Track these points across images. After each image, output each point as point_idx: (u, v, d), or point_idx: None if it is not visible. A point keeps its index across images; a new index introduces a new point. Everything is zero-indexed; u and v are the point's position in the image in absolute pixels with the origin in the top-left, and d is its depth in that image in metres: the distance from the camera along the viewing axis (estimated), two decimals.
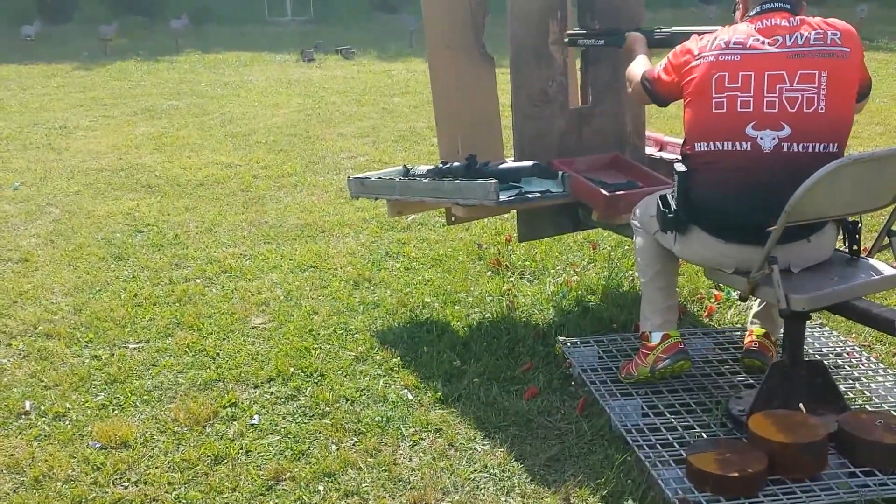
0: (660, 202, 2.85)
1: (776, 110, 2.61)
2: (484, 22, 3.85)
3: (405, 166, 3.92)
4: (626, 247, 4.58)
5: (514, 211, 3.82)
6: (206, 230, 5.10)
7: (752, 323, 3.25)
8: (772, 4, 2.74)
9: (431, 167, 3.77)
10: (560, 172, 3.43)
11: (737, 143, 2.65)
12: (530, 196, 3.38)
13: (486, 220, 5.12)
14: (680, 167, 2.76)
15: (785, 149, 2.61)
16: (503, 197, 3.27)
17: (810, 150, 2.59)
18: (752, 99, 2.64)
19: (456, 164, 3.60)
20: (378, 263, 4.47)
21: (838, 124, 2.62)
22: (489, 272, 4.30)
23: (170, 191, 6.02)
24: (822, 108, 2.59)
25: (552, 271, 4.29)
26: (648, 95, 3.03)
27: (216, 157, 7.06)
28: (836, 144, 2.61)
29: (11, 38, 16.47)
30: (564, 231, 3.98)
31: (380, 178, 3.78)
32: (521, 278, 4.22)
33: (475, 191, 3.29)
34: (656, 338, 2.99)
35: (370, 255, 4.61)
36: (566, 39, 3.67)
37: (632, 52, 3.31)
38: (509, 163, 3.58)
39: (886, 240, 2.71)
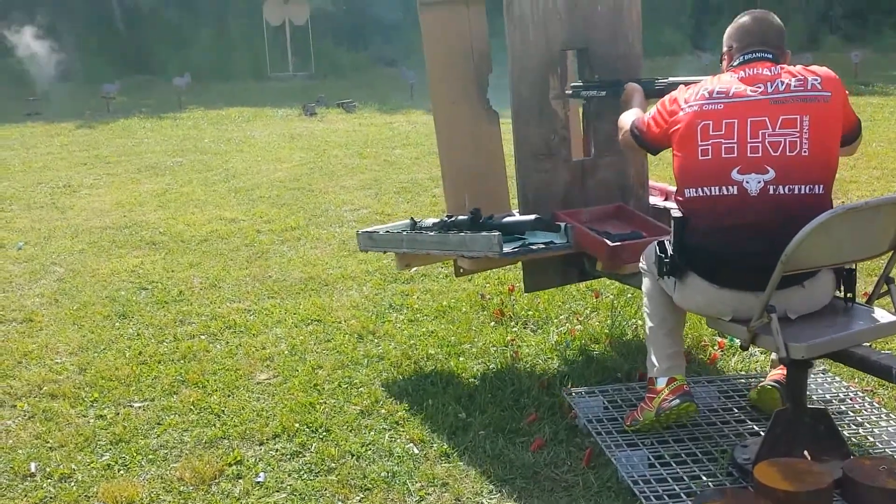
0: (657, 248, 2.91)
1: (760, 155, 2.70)
2: (487, 77, 3.93)
3: (412, 219, 3.98)
4: (629, 295, 4.60)
5: (520, 262, 3.86)
6: (211, 286, 5.13)
7: (772, 364, 3.27)
8: (754, 55, 2.87)
9: (437, 220, 3.82)
10: (563, 224, 3.47)
11: (724, 188, 2.74)
12: (533, 248, 3.43)
13: (487, 270, 5.15)
14: (676, 213, 2.84)
15: (771, 191, 2.68)
16: (506, 249, 3.34)
17: (796, 191, 2.67)
18: (735, 145, 2.73)
19: (461, 217, 3.66)
20: (382, 316, 4.49)
21: (822, 166, 2.69)
22: (493, 322, 4.31)
23: (174, 247, 6.06)
24: (805, 151, 2.67)
25: (555, 321, 4.30)
26: (638, 143, 3.14)
27: (220, 213, 7.12)
28: (821, 186, 2.68)
29: (18, 98, 16.68)
30: (571, 281, 4.02)
31: (388, 231, 3.84)
32: (524, 328, 4.24)
33: (479, 243, 3.35)
34: (662, 382, 3.00)
35: (374, 307, 4.63)
36: (569, 92, 3.74)
37: (628, 102, 3.41)
38: (513, 216, 3.64)
39: (885, 287, 2.73)
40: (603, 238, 3.43)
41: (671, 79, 3.43)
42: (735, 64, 2.89)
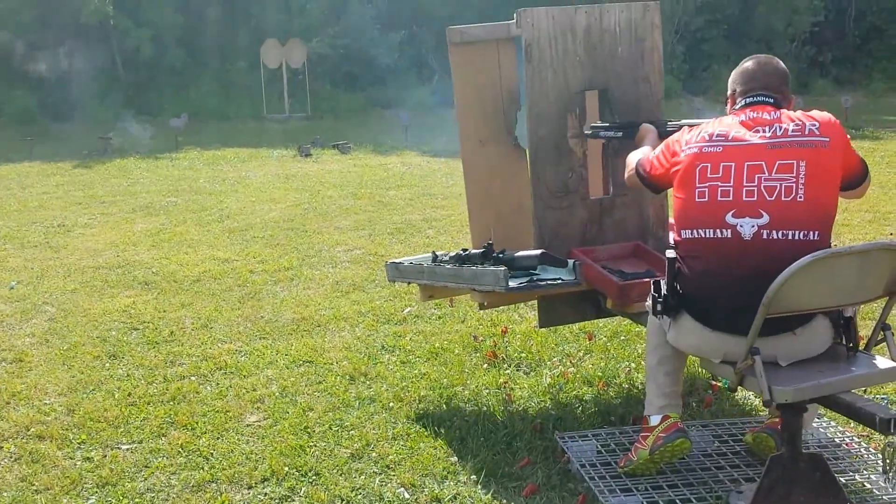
0: (652, 288, 2.90)
1: (755, 199, 2.71)
2: (515, 115, 3.98)
3: (434, 252, 4.01)
4: (623, 337, 4.58)
5: (535, 298, 3.87)
6: (202, 326, 5.10)
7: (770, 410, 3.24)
8: (755, 98, 2.89)
9: (454, 254, 3.87)
10: (572, 261, 3.49)
11: (718, 231, 2.74)
12: (541, 283, 3.45)
13: (481, 312, 5.13)
14: (670, 253, 2.85)
15: (765, 236, 2.68)
16: (513, 284, 3.37)
17: (790, 237, 2.66)
18: (731, 188, 2.74)
19: (474, 251, 3.70)
20: (374, 357, 4.46)
21: (818, 212, 2.68)
22: (485, 365, 4.28)
23: (166, 287, 6.03)
24: (800, 197, 2.67)
25: (549, 363, 4.27)
26: (642, 183, 3.17)
27: (213, 253, 7.10)
28: (816, 232, 2.66)
29: (13, 139, 16.72)
30: (586, 318, 4.05)
31: (411, 263, 3.92)
32: (517, 370, 4.21)
33: (487, 277, 3.40)
34: (655, 420, 2.99)
35: (366, 348, 4.60)
36: (588, 132, 3.77)
37: (641, 142, 3.45)
38: (521, 251, 3.66)
39: (882, 333, 2.72)
40: (612, 276, 3.43)
41: (683, 121, 3.45)
42: (737, 107, 2.92)
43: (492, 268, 3.43)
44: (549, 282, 3.46)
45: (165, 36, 22.78)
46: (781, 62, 3.00)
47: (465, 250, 3.75)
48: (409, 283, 4.05)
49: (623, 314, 3.68)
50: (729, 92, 3.02)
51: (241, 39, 23.83)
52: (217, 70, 23.67)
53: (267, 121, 21.24)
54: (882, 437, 3.03)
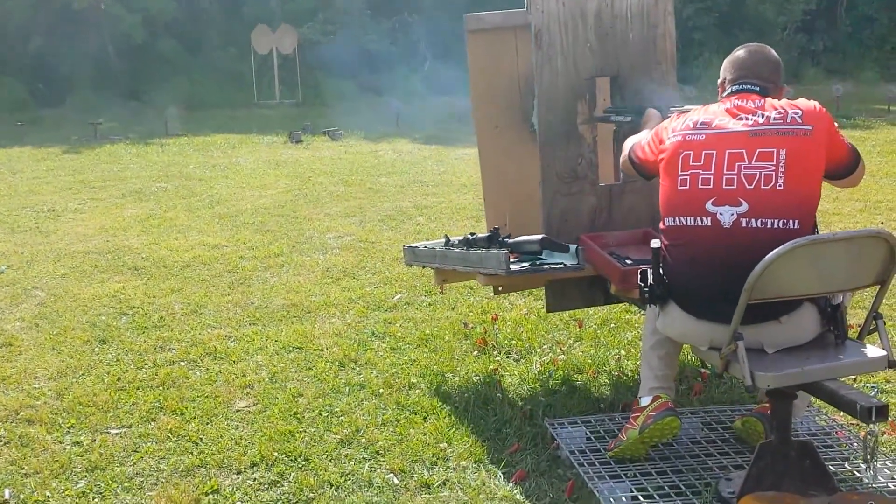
0: (640, 276, 2.91)
1: (735, 187, 2.71)
2: (531, 102, 3.96)
3: (446, 237, 4.02)
4: (613, 325, 4.59)
5: (539, 280, 3.86)
6: (192, 312, 5.08)
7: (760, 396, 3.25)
8: (741, 87, 2.89)
9: (462, 238, 3.89)
10: (575, 246, 3.50)
11: (699, 219, 2.75)
12: (543, 267, 3.47)
13: (471, 299, 5.14)
14: (655, 243, 2.85)
15: (744, 224, 2.68)
16: (515, 267, 3.41)
17: (769, 225, 2.66)
18: (712, 176, 2.74)
19: (481, 235, 3.72)
20: (364, 344, 4.45)
21: (799, 201, 2.68)
22: (475, 351, 4.28)
23: (156, 272, 6.01)
24: (780, 185, 2.67)
25: (539, 350, 4.28)
26: (634, 168, 3.16)
27: (203, 239, 7.07)
28: (796, 221, 2.65)
29: (3, 125, 16.62)
30: (595, 304, 4.05)
31: (426, 247, 3.96)
32: (507, 357, 4.21)
33: (491, 261, 3.42)
34: (646, 400, 3.01)
35: (356, 335, 4.59)
36: (599, 115, 3.77)
37: (644, 126, 3.42)
38: (523, 236, 3.69)
39: (873, 323, 2.72)
40: (616, 261, 3.43)
41: (687, 107, 3.44)
42: (724, 95, 2.93)
43: (494, 251, 3.46)
44: (551, 266, 3.47)
45: (157, 22, 22.66)
46: (773, 51, 2.99)
47: (472, 234, 3.77)
48: (423, 266, 4.10)
49: (627, 300, 3.69)
50: (720, 80, 3.02)
51: (231, 25, 23.73)
52: (208, 56, 23.57)
53: (257, 107, 21.18)
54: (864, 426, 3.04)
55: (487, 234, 3.68)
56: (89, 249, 6.79)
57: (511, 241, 3.60)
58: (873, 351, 2.70)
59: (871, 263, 2.61)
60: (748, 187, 2.69)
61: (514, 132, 3.99)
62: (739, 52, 2.98)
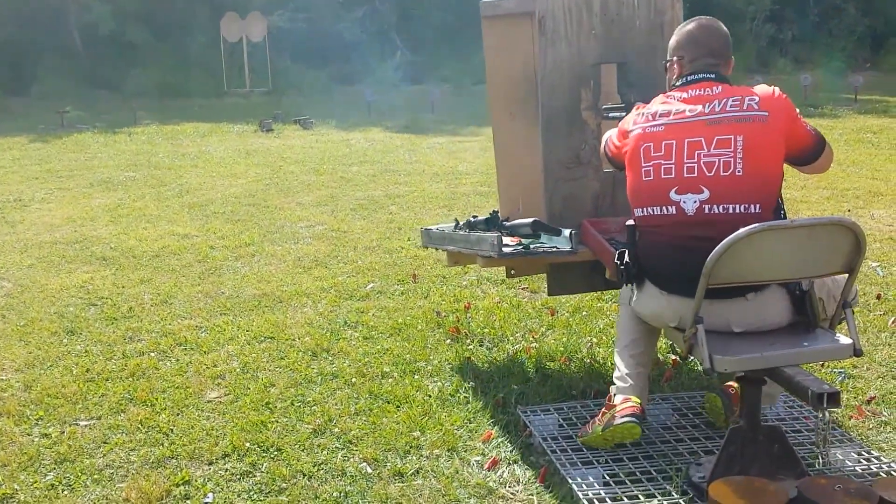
0: (617, 256, 2.97)
1: (696, 175, 2.75)
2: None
3: (456, 220, 4.03)
4: (585, 313, 4.60)
5: (538, 263, 3.87)
6: (161, 302, 5.03)
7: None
8: (696, 76, 2.91)
9: (465, 221, 3.92)
10: (569, 231, 3.52)
11: (664, 208, 2.80)
12: (537, 251, 3.49)
13: (444, 288, 5.13)
14: (630, 222, 2.93)
15: (706, 211, 2.73)
16: (507, 250, 3.45)
17: (731, 211, 2.70)
18: (673, 166, 2.79)
19: (481, 217, 3.75)
20: (337, 333, 4.44)
21: (758, 185, 2.71)
22: (448, 340, 4.28)
23: (125, 263, 5.95)
24: (739, 171, 2.71)
25: (511, 338, 4.28)
26: (609, 163, 3.19)
27: (173, 228, 7.01)
28: (757, 205, 2.70)
29: None
30: (596, 289, 4.08)
31: (438, 229, 3.99)
32: (480, 346, 4.21)
33: (485, 243, 3.48)
34: (618, 399, 3.02)
35: (328, 324, 4.57)
36: (604, 113, 3.76)
37: None
38: (517, 220, 3.74)
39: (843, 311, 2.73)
40: (612, 247, 3.44)
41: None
42: (679, 84, 2.94)
43: (488, 234, 3.49)
44: (545, 250, 3.50)
45: (125, 9, 22.38)
46: (722, 24, 3.00)
47: (474, 217, 3.81)
48: (437, 248, 4.14)
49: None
50: (674, 58, 2.99)
51: (200, 13, 23.49)
52: (177, 44, 23.32)
53: (227, 95, 21.01)
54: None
55: (486, 217, 3.71)
56: (57, 239, 6.70)
57: (508, 224, 3.63)
58: (840, 339, 2.70)
59: (836, 251, 2.60)
60: (708, 175, 2.73)
61: (528, 119, 3.98)
62: (690, 27, 2.97)
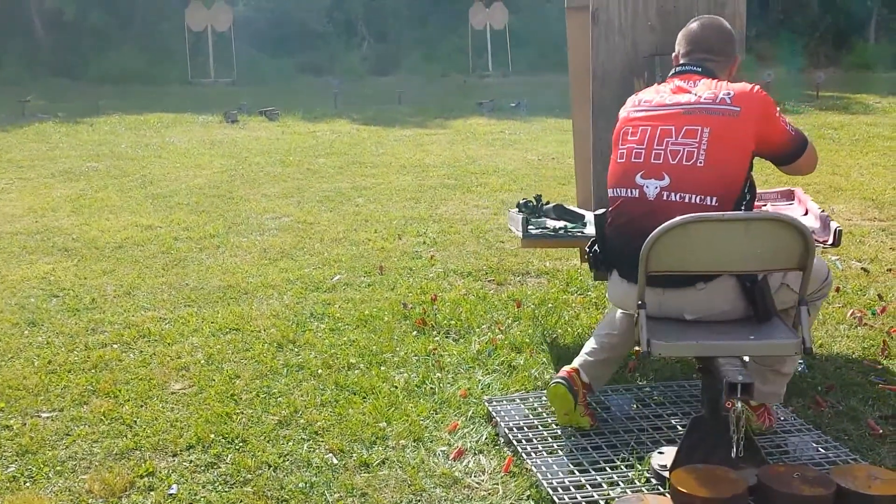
0: (589, 243, 3.08)
1: (661, 161, 2.83)
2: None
3: (518, 204, 4.12)
4: (550, 305, 4.63)
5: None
6: (125, 294, 4.99)
7: None
8: (684, 67, 3.00)
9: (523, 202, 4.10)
10: (584, 214, 3.70)
11: (629, 191, 2.89)
12: (561, 234, 3.72)
13: (410, 280, 5.14)
14: (599, 211, 3.01)
15: (665, 197, 2.80)
16: (534, 232, 3.72)
17: (686, 200, 2.77)
18: (644, 150, 2.87)
19: (525, 200, 4.02)
20: (302, 325, 4.43)
21: (718, 178, 2.77)
22: (415, 332, 4.29)
23: (87, 254, 5.88)
24: (700, 162, 2.77)
25: (477, 330, 4.30)
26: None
27: (136, 219, 6.94)
28: (714, 198, 2.75)
29: None
30: None
31: (512, 211, 4.15)
32: (446, 337, 4.22)
33: (515, 224, 3.78)
34: (569, 365, 3.19)
35: (294, 316, 4.56)
36: None
37: None
38: (550, 204, 3.99)
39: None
40: None
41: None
42: (670, 74, 3.04)
43: (518, 216, 3.77)
44: (570, 233, 3.67)
45: None
46: (726, 23, 3.08)
47: (524, 200, 4.01)
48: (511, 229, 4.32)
49: None
50: (674, 53, 3.11)
51: (164, 1, 23.22)
52: (140, 32, 23.04)
53: (192, 85, 20.79)
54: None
55: (525, 201, 3.96)
56: (17, 230, 6.61)
57: (545, 207, 3.83)
58: (788, 334, 2.68)
59: (782, 247, 2.58)
60: (672, 162, 2.81)
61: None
62: (693, 25, 3.07)
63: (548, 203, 3.96)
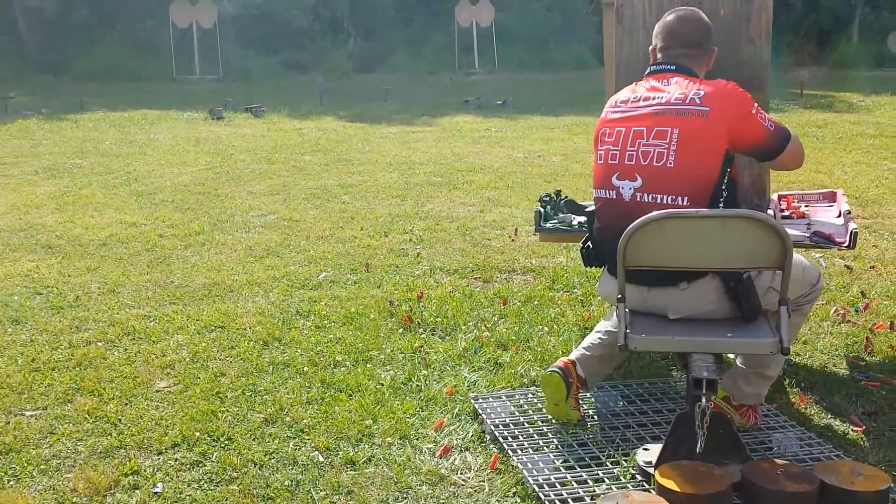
0: (582, 239, 3.14)
1: (633, 163, 2.86)
2: None
3: (540, 199, 4.16)
4: (536, 302, 4.64)
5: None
6: (109, 291, 4.96)
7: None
8: (658, 66, 3.00)
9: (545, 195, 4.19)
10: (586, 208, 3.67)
11: (607, 192, 2.93)
12: (568, 228, 3.84)
13: (397, 277, 5.14)
14: (590, 208, 3.06)
15: (638, 198, 2.83)
16: (547, 225, 3.88)
17: (658, 200, 2.79)
18: (618, 152, 2.90)
19: (547, 195, 4.09)
20: (288, 322, 4.42)
21: (688, 178, 2.77)
22: (401, 329, 4.29)
23: (71, 251, 5.85)
24: (670, 163, 2.79)
25: (464, 327, 4.30)
26: None
27: (120, 217, 6.91)
28: (685, 198, 2.76)
29: None
30: None
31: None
32: (432, 335, 4.22)
33: (536, 217, 3.90)
34: (566, 358, 3.25)
35: (280, 313, 4.55)
36: None
37: None
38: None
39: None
40: None
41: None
42: (645, 74, 3.03)
43: (537, 209, 3.91)
44: (584, 228, 3.69)
45: None
46: (703, 15, 3.05)
47: (547, 195, 4.07)
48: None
49: None
50: (650, 46, 3.09)
51: None
52: (124, 29, 22.93)
53: (177, 82, 20.70)
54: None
55: (546, 195, 4.04)
56: (0, 227, 6.56)
57: (563, 202, 3.98)
58: (767, 334, 2.67)
59: (758, 245, 2.57)
60: (643, 163, 2.83)
61: None
62: (669, 18, 3.05)
63: (566, 198, 4.04)
